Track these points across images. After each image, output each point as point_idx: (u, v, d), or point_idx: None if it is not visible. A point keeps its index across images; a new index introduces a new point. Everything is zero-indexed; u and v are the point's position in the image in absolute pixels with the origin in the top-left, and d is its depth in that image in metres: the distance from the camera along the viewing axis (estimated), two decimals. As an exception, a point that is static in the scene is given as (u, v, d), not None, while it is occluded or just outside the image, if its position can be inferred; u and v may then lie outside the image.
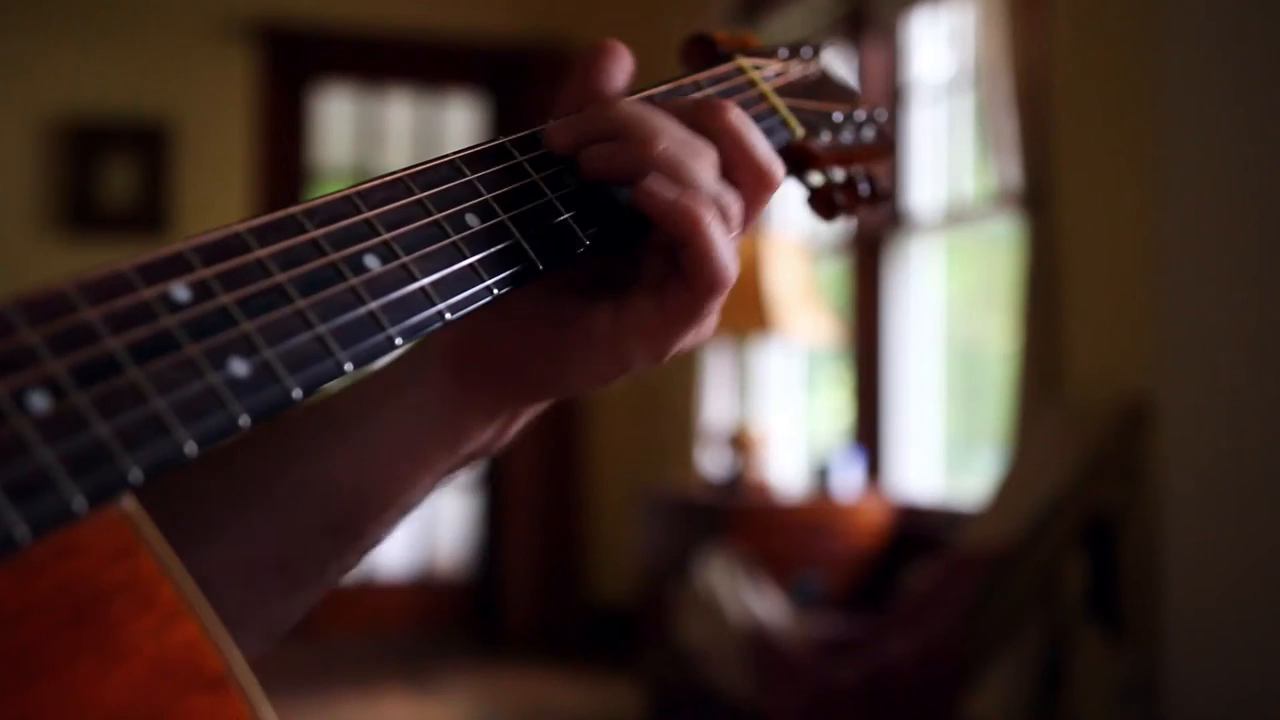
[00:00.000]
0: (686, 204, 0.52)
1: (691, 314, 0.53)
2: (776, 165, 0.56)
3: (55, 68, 4.62)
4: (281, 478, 0.59)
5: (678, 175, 0.52)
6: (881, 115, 0.70)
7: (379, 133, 5.33)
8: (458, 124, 5.36)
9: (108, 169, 4.66)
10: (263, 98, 4.85)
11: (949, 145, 3.68)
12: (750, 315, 3.59)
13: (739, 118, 0.55)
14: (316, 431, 0.59)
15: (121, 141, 4.67)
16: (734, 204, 0.54)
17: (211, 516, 0.59)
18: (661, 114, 0.54)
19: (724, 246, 0.52)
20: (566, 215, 0.53)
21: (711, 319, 0.55)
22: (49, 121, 4.61)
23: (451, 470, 0.61)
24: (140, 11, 4.73)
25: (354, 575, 0.64)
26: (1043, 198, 2.94)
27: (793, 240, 3.91)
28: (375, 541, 0.61)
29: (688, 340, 0.55)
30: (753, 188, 0.55)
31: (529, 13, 5.05)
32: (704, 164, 0.53)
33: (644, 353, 0.54)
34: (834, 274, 4.13)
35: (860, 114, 0.69)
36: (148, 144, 4.69)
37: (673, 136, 0.53)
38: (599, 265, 0.57)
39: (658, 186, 0.52)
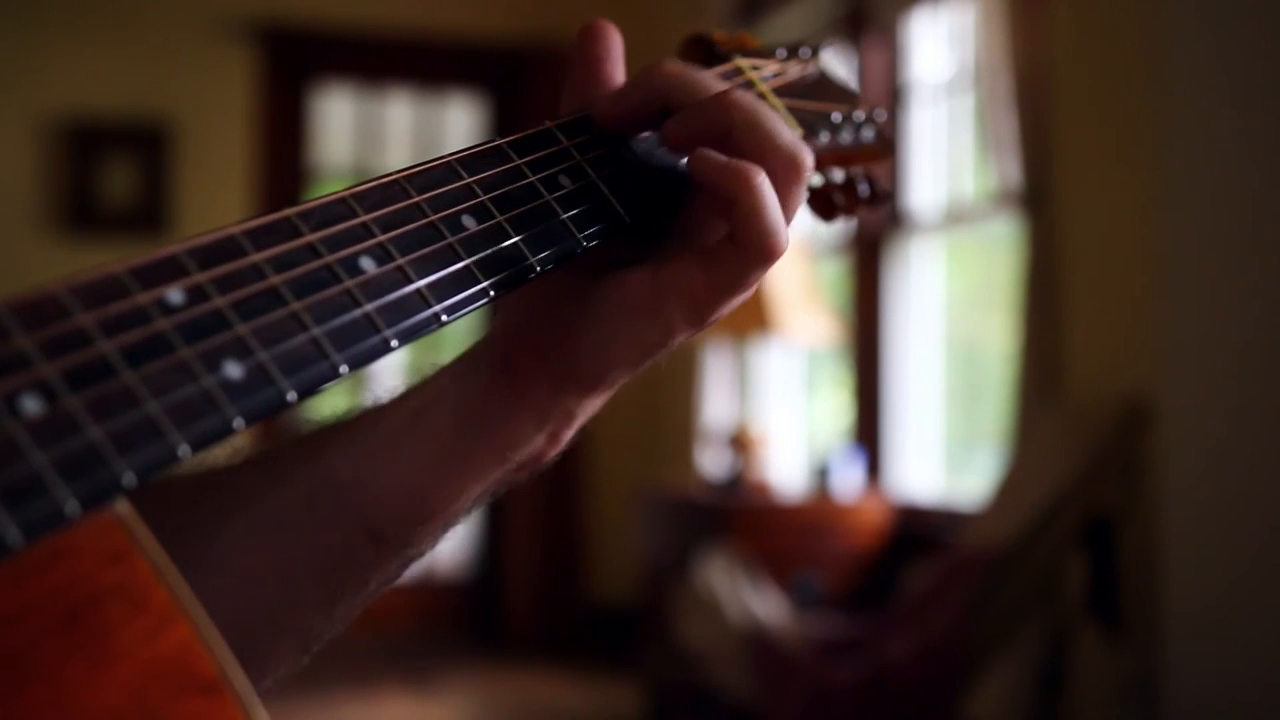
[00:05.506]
0: (737, 165, 0.52)
1: (737, 280, 0.53)
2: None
3: (55, 68, 4.62)
4: (328, 480, 0.58)
5: (758, 126, 0.53)
6: (881, 116, 0.70)
7: (379, 133, 5.33)
8: (458, 124, 5.36)
9: (108, 169, 4.66)
10: (263, 98, 4.85)
11: (949, 145, 3.68)
12: (750, 315, 3.58)
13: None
14: (366, 435, 0.58)
15: (121, 141, 4.67)
16: (808, 155, 0.55)
17: (255, 513, 0.58)
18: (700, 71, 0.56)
19: (774, 208, 0.53)
20: (564, 216, 0.53)
21: (756, 286, 0.55)
22: (49, 121, 4.61)
23: (502, 481, 0.59)
24: (140, 11, 4.73)
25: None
26: (1043, 198, 2.93)
27: (792, 240, 3.91)
28: (419, 553, 0.60)
29: (732, 306, 0.55)
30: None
31: (529, 13, 5.05)
32: (777, 119, 0.54)
33: (685, 314, 0.53)
34: (834, 274, 4.12)
35: (859, 114, 0.68)
36: (148, 144, 4.69)
37: (743, 95, 0.55)
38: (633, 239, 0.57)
39: (707, 151, 0.53)
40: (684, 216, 0.57)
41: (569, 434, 0.59)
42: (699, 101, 0.54)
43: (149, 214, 4.68)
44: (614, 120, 0.56)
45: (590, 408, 0.58)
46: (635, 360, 0.55)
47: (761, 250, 0.53)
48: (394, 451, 0.57)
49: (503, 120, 5.15)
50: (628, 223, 0.55)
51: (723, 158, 0.52)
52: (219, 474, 0.59)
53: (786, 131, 0.54)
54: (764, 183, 0.52)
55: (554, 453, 0.60)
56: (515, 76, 5.05)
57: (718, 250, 0.53)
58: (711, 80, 0.55)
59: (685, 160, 0.55)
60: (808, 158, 0.54)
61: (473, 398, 0.57)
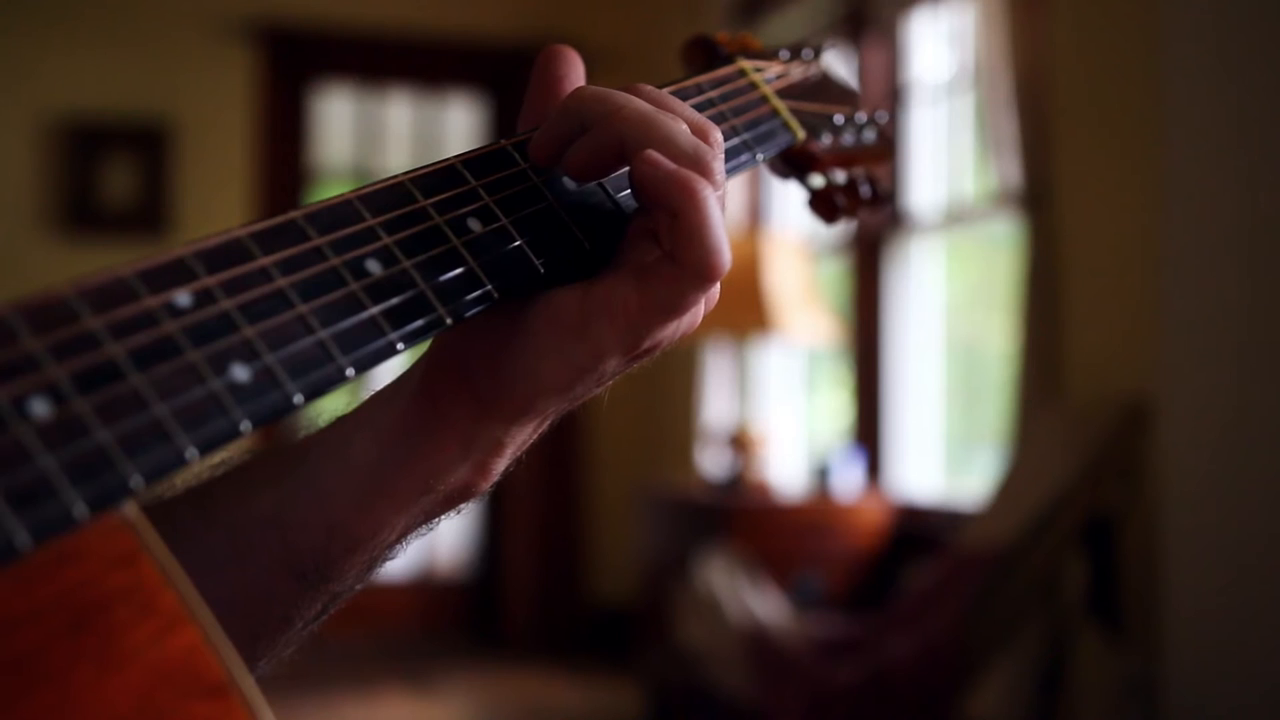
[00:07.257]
0: (685, 174, 0.49)
1: (673, 301, 0.50)
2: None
3: (55, 68, 4.62)
4: (251, 518, 0.56)
5: (650, 132, 0.50)
6: (882, 117, 0.70)
7: (379, 133, 5.33)
8: (458, 124, 5.35)
9: (108, 169, 4.66)
10: (263, 98, 4.85)
11: (949, 145, 3.68)
12: (750, 315, 3.58)
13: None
14: (291, 469, 0.57)
15: (121, 141, 4.66)
16: (715, 160, 0.51)
17: (180, 552, 0.57)
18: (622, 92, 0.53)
19: (717, 225, 0.49)
20: (569, 219, 0.53)
21: (696, 311, 0.52)
22: (49, 121, 4.61)
23: (429, 513, 0.57)
24: (140, 11, 4.73)
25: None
26: (1043, 198, 2.93)
27: (793, 240, 3.91)
28: (346, 589, 0.58)
29: (668, 331, 0.51)
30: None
31: (529, 13, 5.05)
32: (676, 122, 0.51)
33: (616, 336, 0.50)
34: (834, 274, 4.13)
35: (861, 116, 0.69)
36: (148, 144, 4.69)
37: (637, 102, 0.52)
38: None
39: (658, 157, 0.50)
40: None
41: (500, 464, 0.56)
42: (594, 122, 0.51)
43: (149, 214, 4.67)
44: (545, 158, 0.53)
45: (520, 437, 0.55)
46: (564, 386, 0.52)
47: (702, 270, 0.49)
48: (315, 483, 0.56)
49: (503, 120, 5.15)
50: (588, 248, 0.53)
51: (669, 165, 0.49)
52: (150, 511, 0.58)
53: (685, 138, 0.51)
54: (709, 196, 0.49)
55: (486, 484, 0.57)
56: (515, 76, 5.05)
57: (654, 268, 0.50)
58: (618, 98, 0.52)
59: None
60: (715, 164, 0.51)
61: (394, 425, 0.55)
